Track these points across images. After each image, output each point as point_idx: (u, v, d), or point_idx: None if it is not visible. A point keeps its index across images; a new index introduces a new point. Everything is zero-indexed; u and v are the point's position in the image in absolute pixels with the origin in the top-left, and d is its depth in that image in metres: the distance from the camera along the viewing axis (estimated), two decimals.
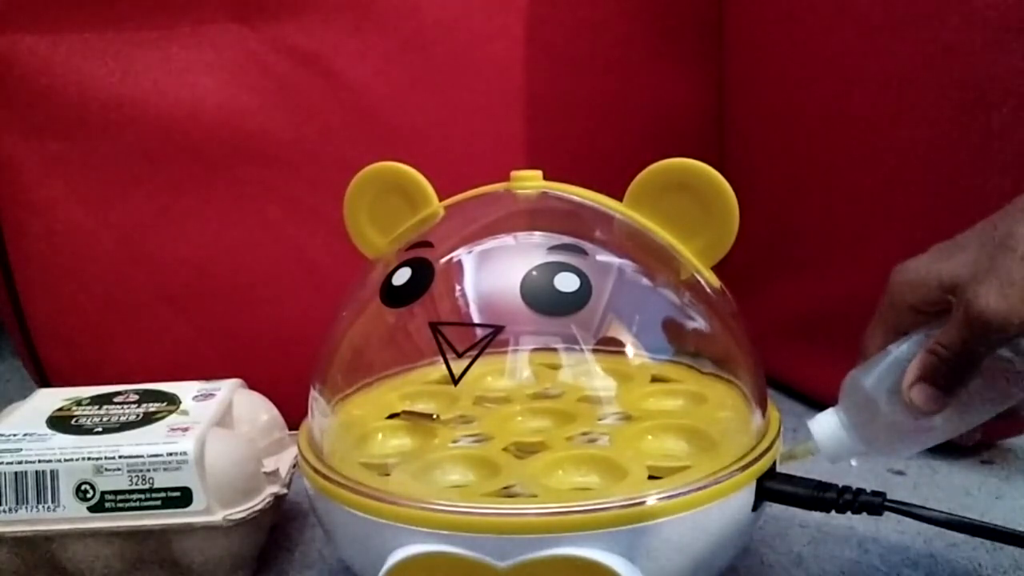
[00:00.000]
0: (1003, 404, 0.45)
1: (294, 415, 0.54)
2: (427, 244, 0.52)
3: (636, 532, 0.41)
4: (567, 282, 0.47)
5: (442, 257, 0.51)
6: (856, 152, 0.72)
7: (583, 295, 0.47)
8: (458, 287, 0.50)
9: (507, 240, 0.54)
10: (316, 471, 0.46)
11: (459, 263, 0.51)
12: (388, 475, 0.46)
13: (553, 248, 0.50)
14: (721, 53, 0.87)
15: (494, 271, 0.52)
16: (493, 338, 0.46)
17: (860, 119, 0.72)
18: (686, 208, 0.49)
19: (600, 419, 0.51)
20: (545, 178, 0.53)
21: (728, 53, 0.87)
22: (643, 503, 0.41)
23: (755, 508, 0.45)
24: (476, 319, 0.48)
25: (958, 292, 0.43)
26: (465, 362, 0.45)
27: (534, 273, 0.48)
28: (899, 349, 0.46)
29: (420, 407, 0.54)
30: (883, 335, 0.48)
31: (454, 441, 0.50)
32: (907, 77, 0.67)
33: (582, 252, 0.50)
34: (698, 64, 0.87)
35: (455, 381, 0.45)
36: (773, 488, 0.46)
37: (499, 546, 0.40)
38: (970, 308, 0.41)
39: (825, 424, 0.47)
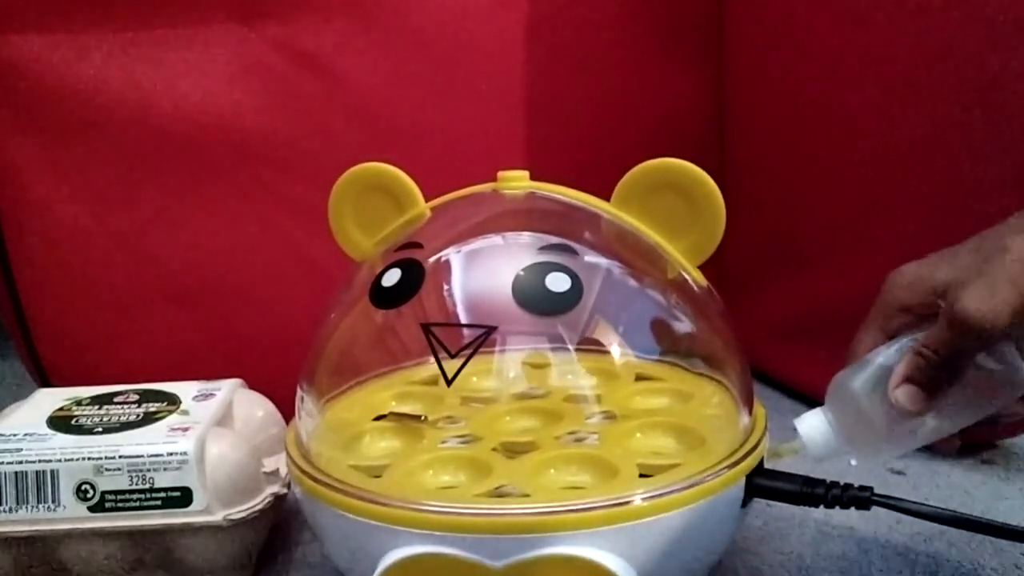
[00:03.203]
0: (984, 411, 0.46)
1: (294, 415, 0.54)
2: (416, 245, 0.51)
3: (629, 530, 0.41)
4: (558, 282, 0.48)
5: (432, 258, 0.51)
6: (856, 152, 0.72)
7: (574, 295, 0.47)
8: (449, 288, 0.50)
9: (496, 240, 0.53)
10: (306, 474, 0.46)
11: (449, 264, 0.51)
12: (379, 477, 0.46)
13: (543, 248, 0.50)
14: (721, 53, 0.87)
15: (485, 271, 0.52)
16: (486, 338, 0.46)
17: (860, 119, 0.71)
18: (673, 208, 0.49)
19: (587, 418, 0.51)
20: (545, 179, 0.53)
21: (728, 53, 0.86)
22: (635, 501, 0.42)
23: (744, 504, 0.46)
24: (468, 320, 0.48)
25: (947, 296, 0.44)
26: (457, 362, 0.45)
27: (525, 273, 0.48)
28: (887, 352, 0.47)
29: (407, 408, 0.54)
30: (873, 337, 0.49)
31: (442, 442, 0.50)
32: (907, 77, 0.67)
33: (572, 252, 0.50)
34: (698, 64, 0.87)
35: (448, 382, 0.45)
36: (762, 484, 0.46)
37: (494, 546, 0.40)
38: (954, 310, 0.43)
39: (811, 423, 0.47)
